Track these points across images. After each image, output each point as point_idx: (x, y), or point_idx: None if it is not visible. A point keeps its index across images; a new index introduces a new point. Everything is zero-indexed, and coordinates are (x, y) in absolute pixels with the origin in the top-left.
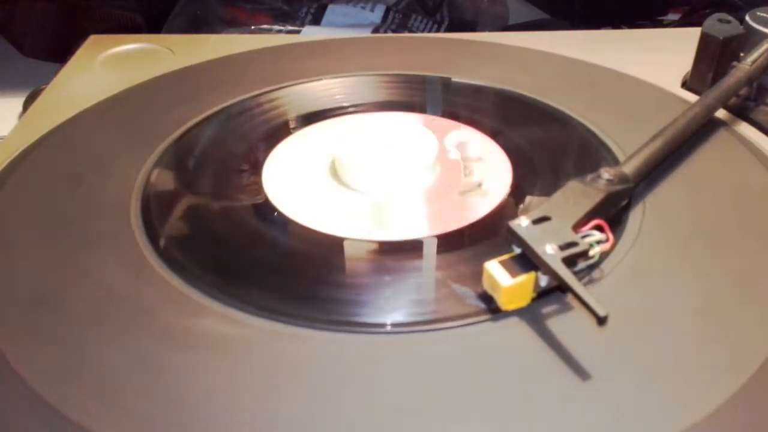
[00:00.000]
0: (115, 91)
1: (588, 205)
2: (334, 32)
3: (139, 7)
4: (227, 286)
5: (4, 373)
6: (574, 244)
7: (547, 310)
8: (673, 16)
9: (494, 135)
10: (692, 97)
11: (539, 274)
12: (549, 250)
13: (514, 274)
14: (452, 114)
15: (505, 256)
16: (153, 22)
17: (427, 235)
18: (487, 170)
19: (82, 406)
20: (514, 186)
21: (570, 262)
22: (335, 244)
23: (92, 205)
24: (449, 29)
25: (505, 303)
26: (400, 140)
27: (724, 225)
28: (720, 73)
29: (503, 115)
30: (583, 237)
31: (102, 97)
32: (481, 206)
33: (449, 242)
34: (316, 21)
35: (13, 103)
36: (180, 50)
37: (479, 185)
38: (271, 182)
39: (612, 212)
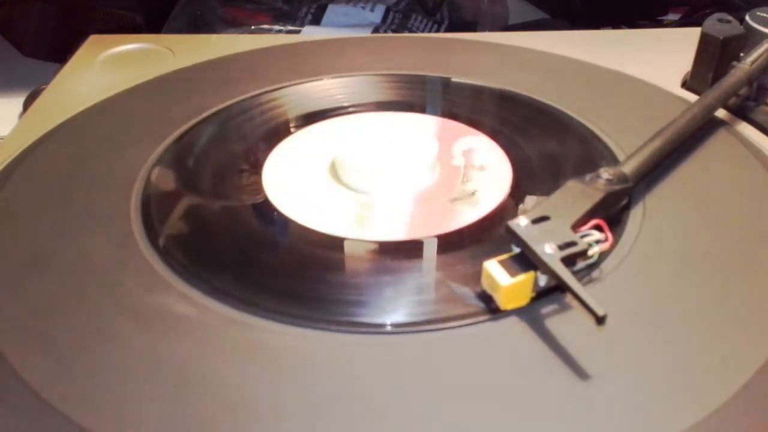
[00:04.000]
0: (115, 91)
1: (587, 204)
2: (334, 32)
3: (139, 7)
4: (227, 286)
5: (6, 374)
6: (573, 243)
7: (546, 309)
8: (673, 16)
9: (493, 135)
10: (692, 97)
11: (538, 273)
12: (548, 250)
13: (513, 274)
14: (452, 114)
15: (504, 256)
16: (153, 22)
17: (409, 237)
18: (485, 179)
19: (88, 410)
20: (512, 190)
21: (569, 261)
22: (335, 244)
23: (92, 204)
24: (449, 29)
25: (504, 302)
26: (400, 141)
27: (723, 225)
28: (720, 73)
29: (502, 115)
30: (582, 237)
31: (102, 97)
32: (467, 215)
33: (449, 243)
34: (316, 21)
35: (13, 103)
36: (180, 50)
37: (472, 194)
38: (271, 182)
39: (611, 212)
